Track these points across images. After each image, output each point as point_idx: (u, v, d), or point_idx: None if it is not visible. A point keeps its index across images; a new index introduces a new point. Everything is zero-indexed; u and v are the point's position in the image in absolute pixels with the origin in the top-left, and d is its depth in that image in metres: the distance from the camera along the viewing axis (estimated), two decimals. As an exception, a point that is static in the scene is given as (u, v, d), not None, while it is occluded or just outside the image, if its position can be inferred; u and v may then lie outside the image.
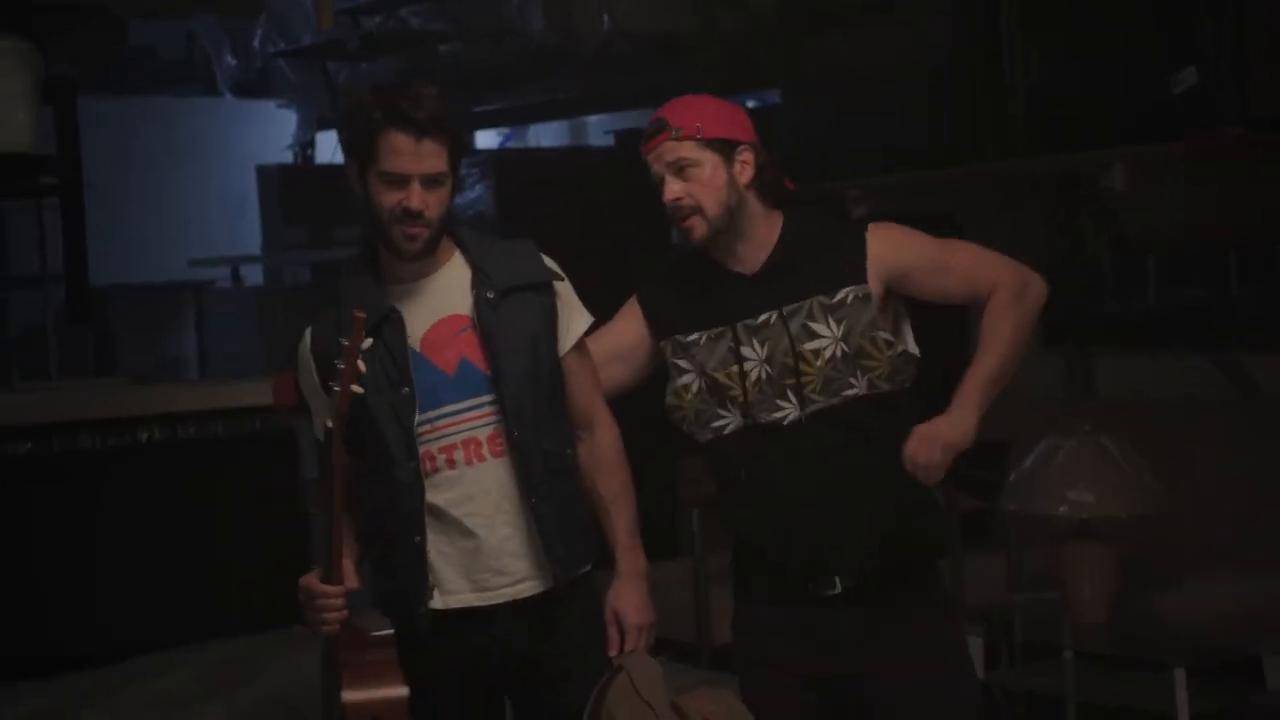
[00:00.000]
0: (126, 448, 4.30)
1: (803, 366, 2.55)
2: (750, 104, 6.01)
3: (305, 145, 7.75)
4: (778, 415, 2.57)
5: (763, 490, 2.59)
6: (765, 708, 2.57)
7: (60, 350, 5.69)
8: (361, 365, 2.34)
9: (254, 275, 8.01)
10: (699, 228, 2.56)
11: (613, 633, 2.55)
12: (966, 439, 2.46)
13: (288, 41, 7.31)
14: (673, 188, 2.55)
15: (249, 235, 7.64)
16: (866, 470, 2.56)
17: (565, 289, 2.56)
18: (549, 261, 2.57)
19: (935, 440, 2.44)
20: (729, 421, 2.60)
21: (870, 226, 2.62)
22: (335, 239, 7.03)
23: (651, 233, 5.43)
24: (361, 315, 2.36)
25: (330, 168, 7.50)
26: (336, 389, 2.34)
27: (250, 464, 4.53)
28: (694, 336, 2.62)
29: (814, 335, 2.55)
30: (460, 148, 2.47)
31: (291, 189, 7.28)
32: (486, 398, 2.47)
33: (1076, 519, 3.89)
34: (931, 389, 2.68)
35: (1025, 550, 4.48)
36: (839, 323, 2.54)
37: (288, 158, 7.73)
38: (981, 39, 4.90)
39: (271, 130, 7.93)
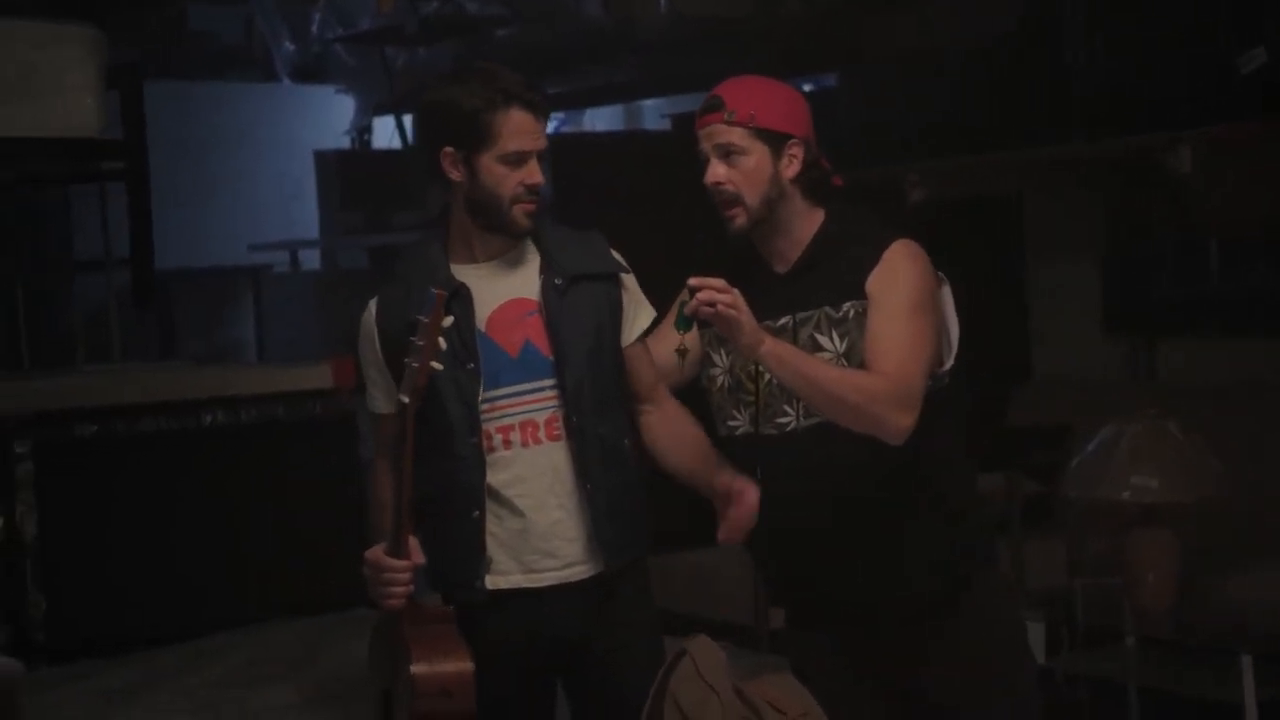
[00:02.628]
0: (190, 430, 4.34)
1: None
2: (806, 87, 5.98)
3: (362, 130, 7.79)
4: (781, 420, 2.55)
5: (774, 496, 2.55)
6: (814, 677, 2.55)
7: (123, 333, 5.75)
8: (442, 342, 2.36)
9: (311, 260, 8.06)
10: (739, 217, 2.54)
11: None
12: (750, 336, 2.39)
13: (345, 26, 7.35)
14: (716, 171, 2.53)
15: (306, 220, 7.69)
16: (858, 491, 2.52)
17: (631, 282, 2.59)
18: (616, 255, 2.60)
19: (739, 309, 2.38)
20: (740, 424, 2.60)
21: (893, 244, 2.54)
22: (392, 223, 7.07)
23: (708, 217, 5.41)
24: (443, 293, 2.39)
25: (387, 153, 7.53)
26: (415, 365, 2.35)
27: (310, 447, 4.56)
28: None
29: (818, 347, 2.52)
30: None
31: (348, 174, 7.32)
32: (547, 381, 2.49)
33: (1140, 504, 3.86)
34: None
35: (1087, 535, 4.44)
36: (842, 338, 2.51)
37: (345, 143, 7.76)
38: (1044, 19, 4.85)
39: (329, 115, 7.97)
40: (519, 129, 2.44)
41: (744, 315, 2.38)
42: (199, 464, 4.37)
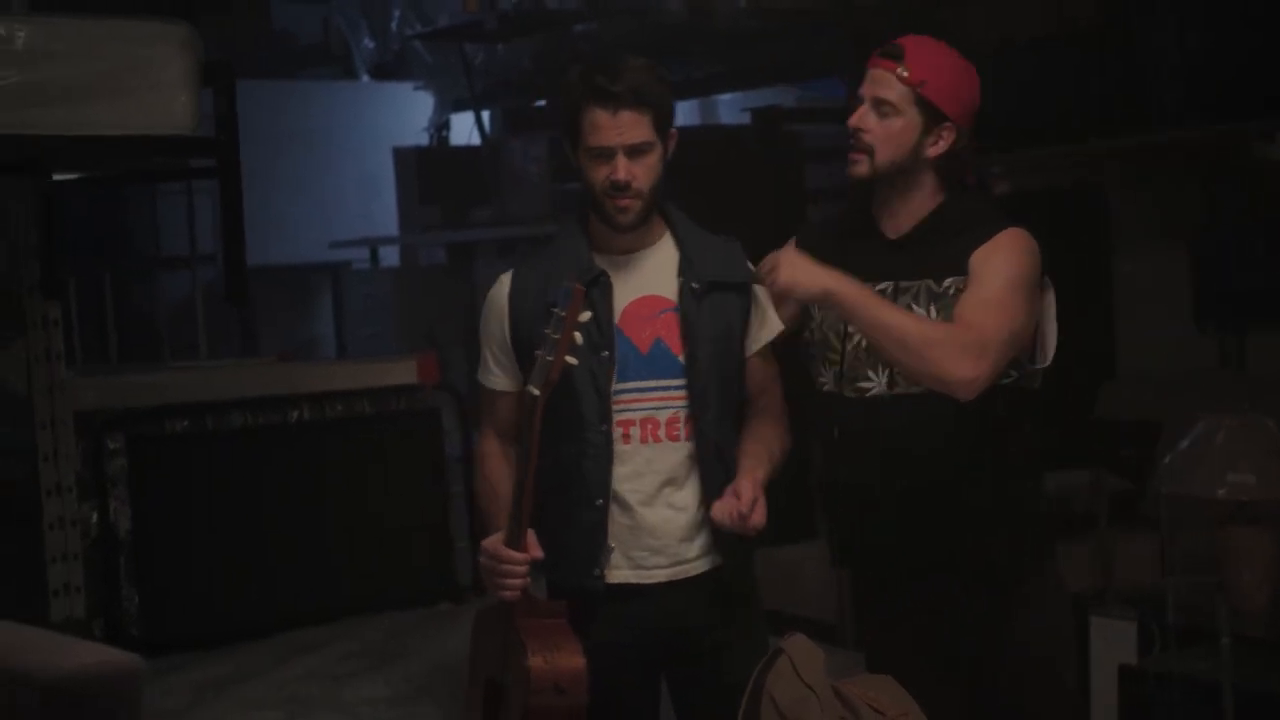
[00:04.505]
0: (277, 426, 4.38)
1: None
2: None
3: (441, 127, 7.81)
4: (864, 385, 2.55)
5: (847, 459, 2.58)
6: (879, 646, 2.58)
7: (207, 329, 5.83)
8: (578, 337, 2.36)
9: (390, 257, 8.11)
10: (861, 165, 2.54)
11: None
12: (806, 286, 2.43)
13: (424, 24, 7.38)
14: (864, 118, 2.52)
15: (385, 217, 7.73)
16: (936, 466, 2.52)
17: (762, 293, 2.58)
18: (750, 265, 2.59)
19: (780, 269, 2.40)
20: (826, 382, 2.60)
21: (1006, 230, 2.53)
22: (470, 219, 7.09)
23: (787, 211, 5.39)
24: (582, 288, 2.38)
25: (466, 149, 7.56)
26: (549, 358, 2.34)
27: (396, 442, 4.59)
28: None
29: None
30: (665, 116, 2.48)
31: (427, 171, 7.35)
32: (674, 381, 2.50)
33: (1236, 501, 3.78)
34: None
35: (1178, 533, 4.37)
36: (939, 312, 2.49)
37: (424, 140, 7.80)
38: (1129, 3, 4.77)
39: (408, 112, 8.00)
40: (595, 125, 2.43)
41: (783, 273, 2.39)
42: (287, 459, 4.41)
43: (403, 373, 4.60)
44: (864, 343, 2.54)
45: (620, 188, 2.44)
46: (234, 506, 4.32)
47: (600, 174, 2.45)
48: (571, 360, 2.36)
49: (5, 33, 3.23)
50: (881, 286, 2.53)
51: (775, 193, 5.55)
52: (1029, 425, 2.60)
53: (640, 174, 2.45)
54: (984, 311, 2.44)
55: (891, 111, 2.51)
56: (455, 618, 4.24)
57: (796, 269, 2.43)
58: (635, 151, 2.44)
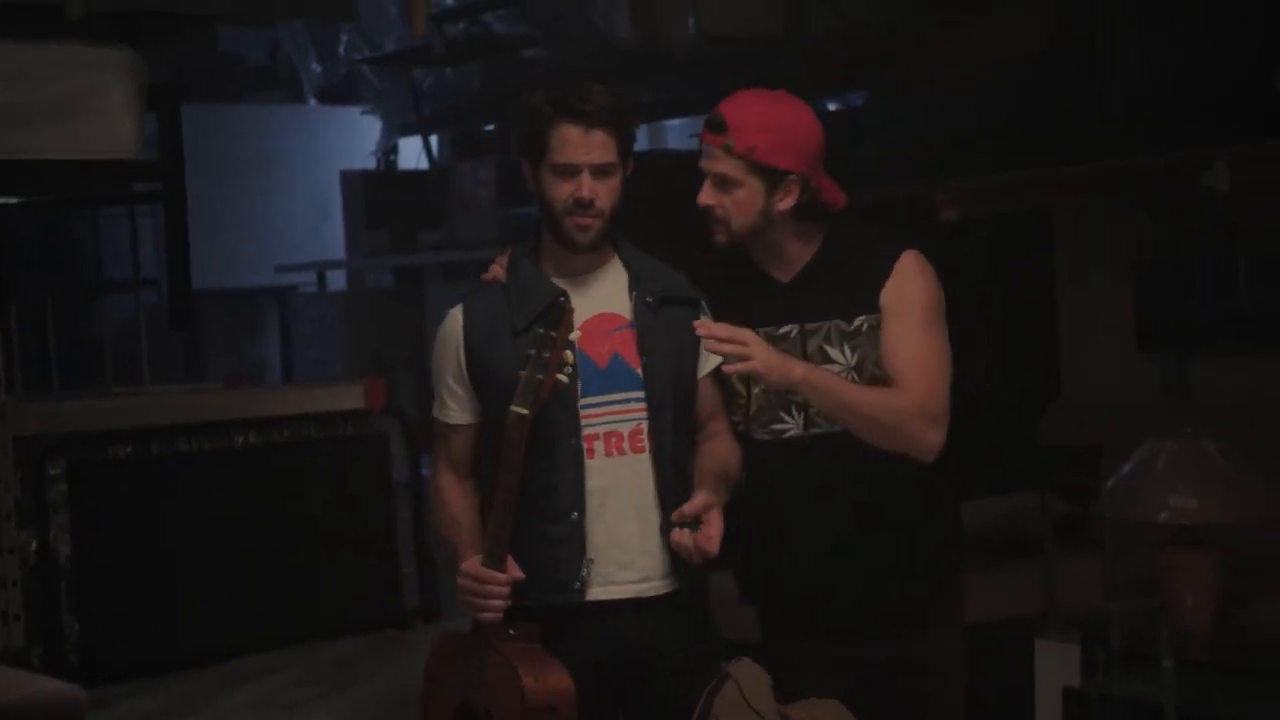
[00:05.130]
0: (223, 451, 4.35)
1: None
2: (832, 106, 5.96)
3: (389, 151, 7.81)
4: (779, 428, 2.57)
5: (758, 499, 2.58)
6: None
7: (151, 354, 5.77)
8: (569, 355, 2.38)
9: (337, 281, 8.08)
10: (721, 236, 2.56)
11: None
12: (775, 375, 2.42)
13: (372, 48, 7.37)
14: (707, 195, 2.54)
15: (333, 241, 7.71)
16: (859, 506, 2.54)
17: (708, 315, 2.60)
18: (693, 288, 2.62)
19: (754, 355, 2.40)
20: (739, 422, 2.62)
21: (902, 255, 2.56)
22: (418, 243, 7.08)
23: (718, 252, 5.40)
24: (572, 308, 2.42)
25: (414, 173, 7.55)
26: (539, 377, 2.36)
27: (343, 468, 4.56)
28: None
29: (828, 359, 2.53)
30: (628, 141, 2.52)
31: (375, 195, 7.33)
32: (634, 394, 2.52)
33: (1178, 525, 3.82)
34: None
35: (1121, 556, 4.41)
36: (853, 350, 2.52)
37: (372, 164, 7.79)
38: (1077, 35, 4.83)
39: (356, 136, 7.99)
40: (565, 141, 2.46)
41: (759, 359, 2.39)
42: (232, 485, 4.37)
43: (350, 398, 4.57)
44: (769, 389, 2.54)
45: (584, 205, 2.47)
46: (178, 532, 4.27)
47: (564, 191, 2.47)
48: (563, 379, 2.39)
49: (-51, 57, 3.21)
50: (785, 329, 2.55)
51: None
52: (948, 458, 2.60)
53: (603, 194, 2.49)
54: (924, 370, 2.48)
55: (732, 185, 2.52)
56: (402, 643, 4.21)
57: (771, 357, 2.42)
58: (601, 172, 2.47)
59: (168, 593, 4.20)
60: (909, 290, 2.52)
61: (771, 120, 2.54)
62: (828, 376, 2.47)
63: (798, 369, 2.43)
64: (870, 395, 2.47)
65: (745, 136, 2.50)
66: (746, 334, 2.43)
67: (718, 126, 2.52)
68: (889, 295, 2.52)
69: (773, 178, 2.52)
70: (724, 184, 2.52)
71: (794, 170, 2.53)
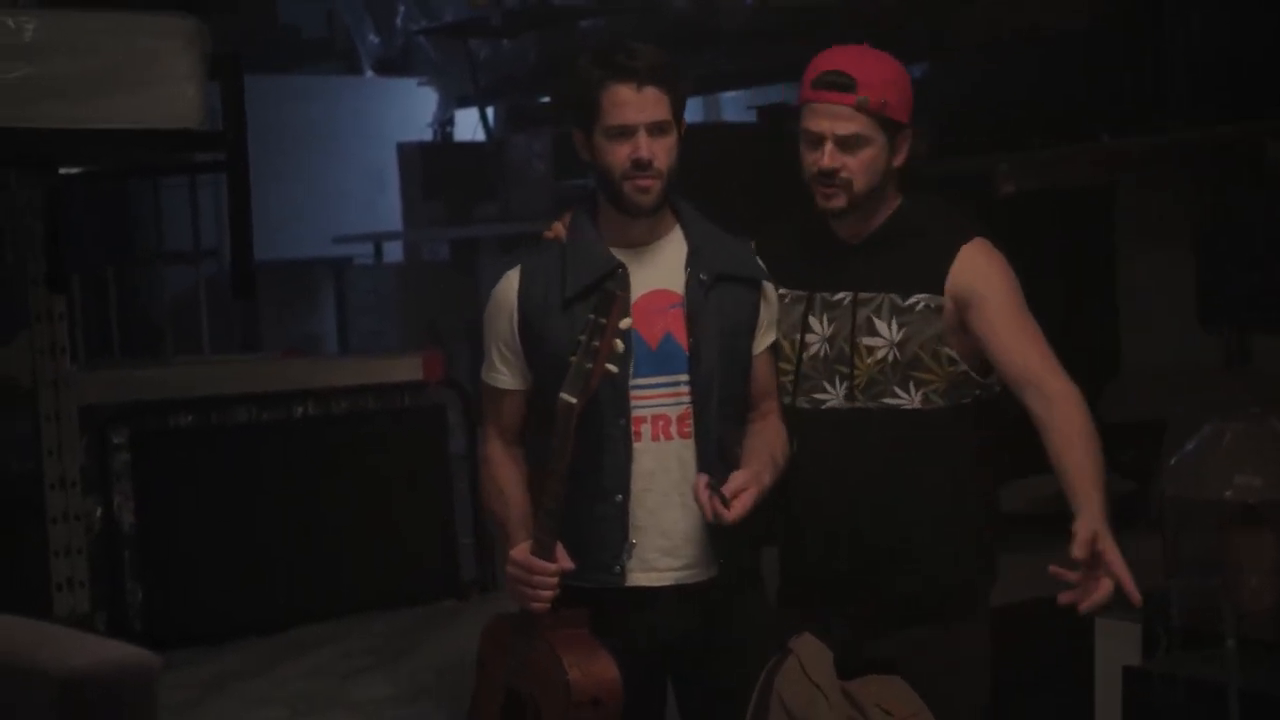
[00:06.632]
0: (282, 421, 4.38)
1: (856, 359, 2.48)
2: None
3: (445, 123, 7.81)
4: (820, 397, 2.51)
5: (797, 470, 2.53)
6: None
7: (209, 324, 5.82)
8: (619, 344, 2.32)
9: (394, 252, 8.11)
10: (838, 199, 2.46)
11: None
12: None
13: (429, 19, 7.37)
14: (835, 158, 2.43)
15: (389, 212, 7.73)
16: (892, 480, 2.49)
17: (771, 292, 2.55)
18: (760, 262, 2.56)
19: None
20: (785, 395, 2.56)
21: (975, 240, 2.49)
22: (474, 215, 7.08)
23: (791, 209, 5.37)
24: (624, 295, 2.35)
25: (470, 145, 7.55)
26: (588, 365, 2.31)
27: (400, 439, 4.58)
28: (780, 293, 2.56)
29: (873, 330, 2.47)
30: (681, 98, 2.44)
31: (431, 166, 7.34)
32: (683, 376, 2.47)
33: (1243, 503, 3.78)
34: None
35: (1184, 535, 4.36)
36: (901, 327, 2.46)
37: (428, 135, 7.79)
38: (1141, 3, 4.76)
39: (412, 108, 7.99)
40: (617, 101, 2.39)
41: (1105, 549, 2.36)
42: (291, 454, 4.40)
43: (408, 369, 4.59)
44: (821, 352, 2.50)
45: (642, 165, 2.39)
46: (238, 502, 4.31)
47: (621, 153, 2.40)
48: (612, 368, 2.33)
49: (13, 26, 3.22)
50: (839, 296, 2.50)
51: (780, 191, 5.54)
52: (990, 437, 2.57)
53: (661, 153, 2.41)
54: (1049, 364, 2.43)
55: (862, 143, 2.43)
56: (459, 615, 4.23)
57: (1088, 532, 2.38)
58: (657, 129, 2.40)
59: (228, 561, 4.25)
60: (993, 278, 2.46)
61: (890, 73, 2.47)
62: (1093, 492, 2.38)
63: (1100, 518, 2.35)
64: (1084, 443, 2.39)
65: (877, 91, 2.41)
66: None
67: (845, 85, 2.41)
68: (977, 284, 2.45)
69: (895, 131, 2.45)
70: (853, 144, 2.42)
71: (910, 122, 2.48)
